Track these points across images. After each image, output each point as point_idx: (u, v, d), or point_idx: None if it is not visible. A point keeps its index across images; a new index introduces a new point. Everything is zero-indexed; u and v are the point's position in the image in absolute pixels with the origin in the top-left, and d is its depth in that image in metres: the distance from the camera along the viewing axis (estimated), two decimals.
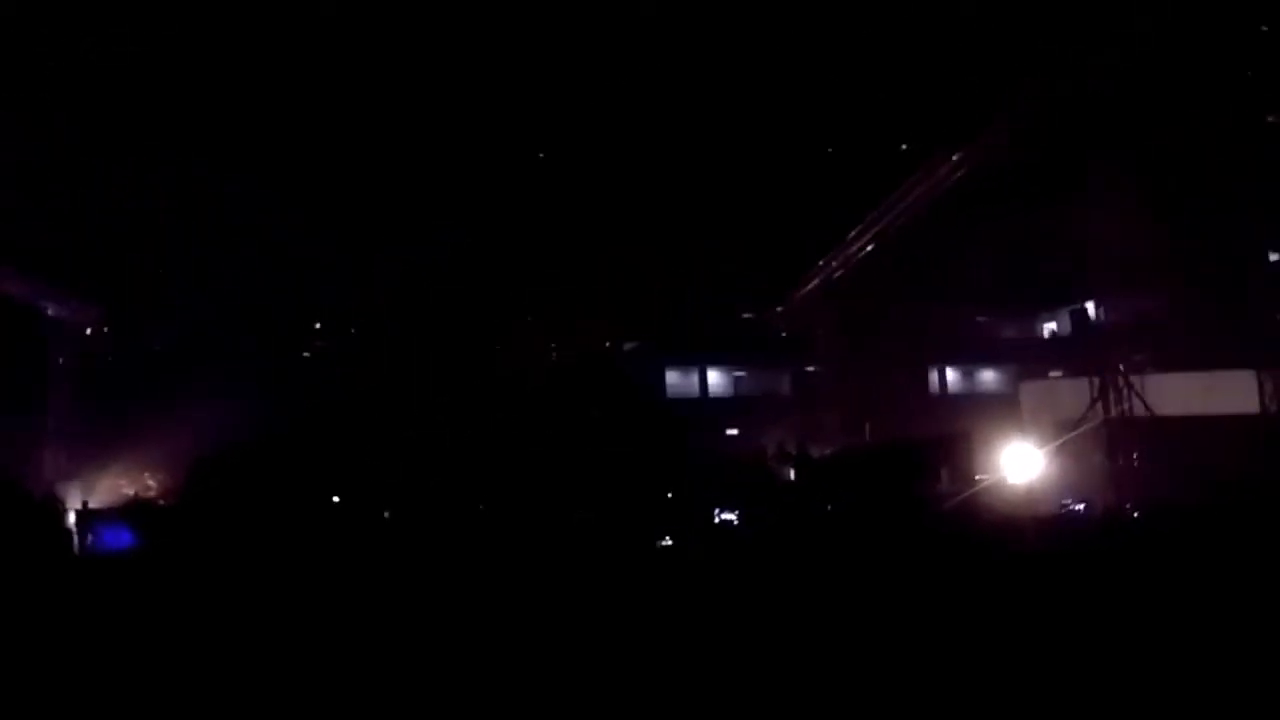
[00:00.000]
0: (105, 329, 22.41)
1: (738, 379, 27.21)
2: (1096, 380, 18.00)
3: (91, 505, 18.28)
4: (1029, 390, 21.44)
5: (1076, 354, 20.30)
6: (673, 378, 26.33)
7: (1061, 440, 17.21)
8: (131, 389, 21.20)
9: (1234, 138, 16.38)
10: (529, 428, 19.03)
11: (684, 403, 25.83)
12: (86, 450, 20.20)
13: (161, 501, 19.38)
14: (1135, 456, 17.06)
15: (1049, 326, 25.80)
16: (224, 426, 19.13)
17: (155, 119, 16.42)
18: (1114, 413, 17.45)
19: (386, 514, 17.33)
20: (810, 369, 25.60)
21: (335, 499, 17.74)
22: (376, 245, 19.62)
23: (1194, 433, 16.16)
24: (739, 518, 15.42)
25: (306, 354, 23.27)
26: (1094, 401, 17.73)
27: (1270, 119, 16.82)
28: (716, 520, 15.56)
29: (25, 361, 20.29)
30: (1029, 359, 24.57)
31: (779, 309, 25.09)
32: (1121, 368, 17.85)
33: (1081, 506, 14.73)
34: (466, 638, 7.70)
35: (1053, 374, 22.34)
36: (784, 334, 25.43)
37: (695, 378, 26.75)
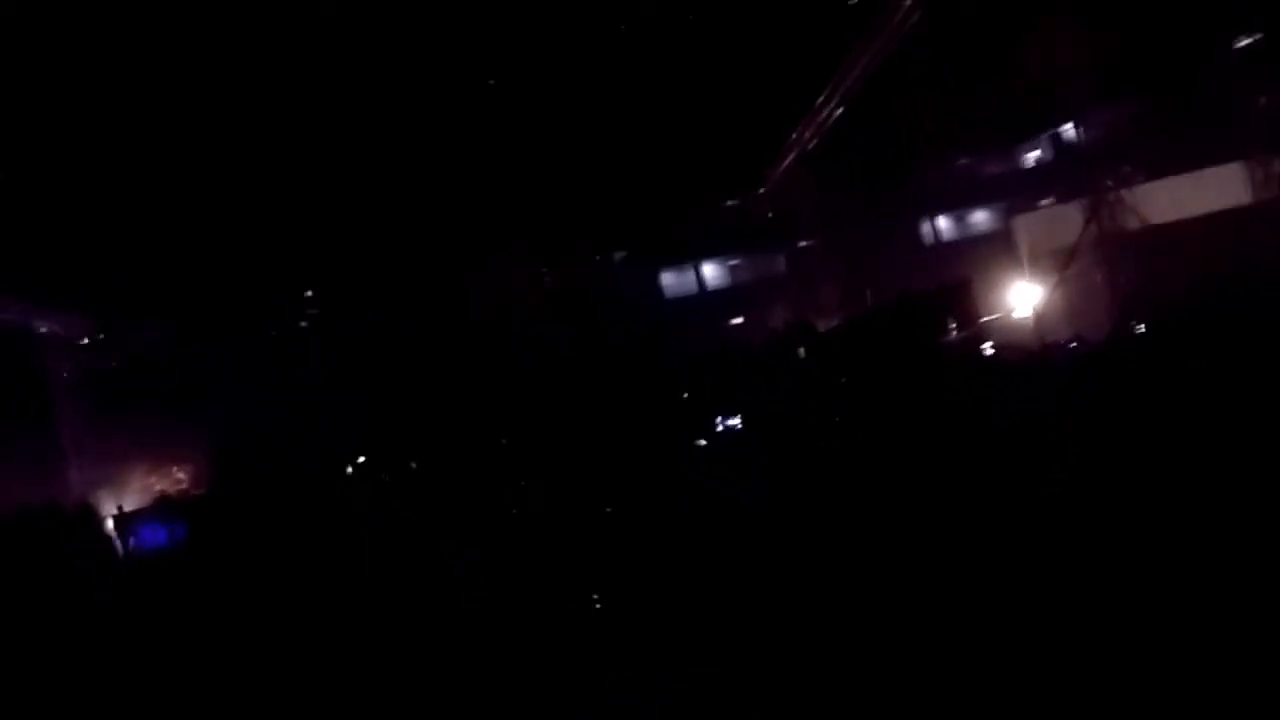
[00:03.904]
0: (101, 336, 22.47)
1: (733, 268, 27.10)
2: (1088, 201, 17.84)
3: (126, 508, 18.54)
4: (1023, 223, 21.24)
5: (1064, 178, 20.09)
6: (668, 279, 26.28)
7: (1061, 268, 17.15)
8: (140, 389, 21.34)
9: None
10: (527, 365, 19.09)
11: (683, 300, 25.84)
12: (109, 456, 20.44)
13: (194, 492, 19.63)
14: (1135, 270, 16.99)
15: (1033, 156, 25.48)
16: (237, 409, 19.36)
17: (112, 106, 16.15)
18: (1108, 230, 17.34)
19: (413, 465, 17.45)
20: (803, 245, 25.49)
21: (361, 459, 17.88)
22: (347, 194, 19.40)
23: (1189, 234, 16.07)
24: (743, 421, 15.08)
25: (303, 324, 23.30)
26: (1087, 222, 17.60)
27: None
28: (720, 428, 15.22)
29: (26, 382, 20.38)
30: (1019, 192, 24.31)
31: (761, 191, 24.89)
32: (1109, 183, 17.67)
33: (1074, 344, 14.57)
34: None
35: (1044, 203, 22.13)
36: (770, 215, 25.28)
37: (691, 275, 26.69)
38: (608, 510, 10.25)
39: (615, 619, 7.04)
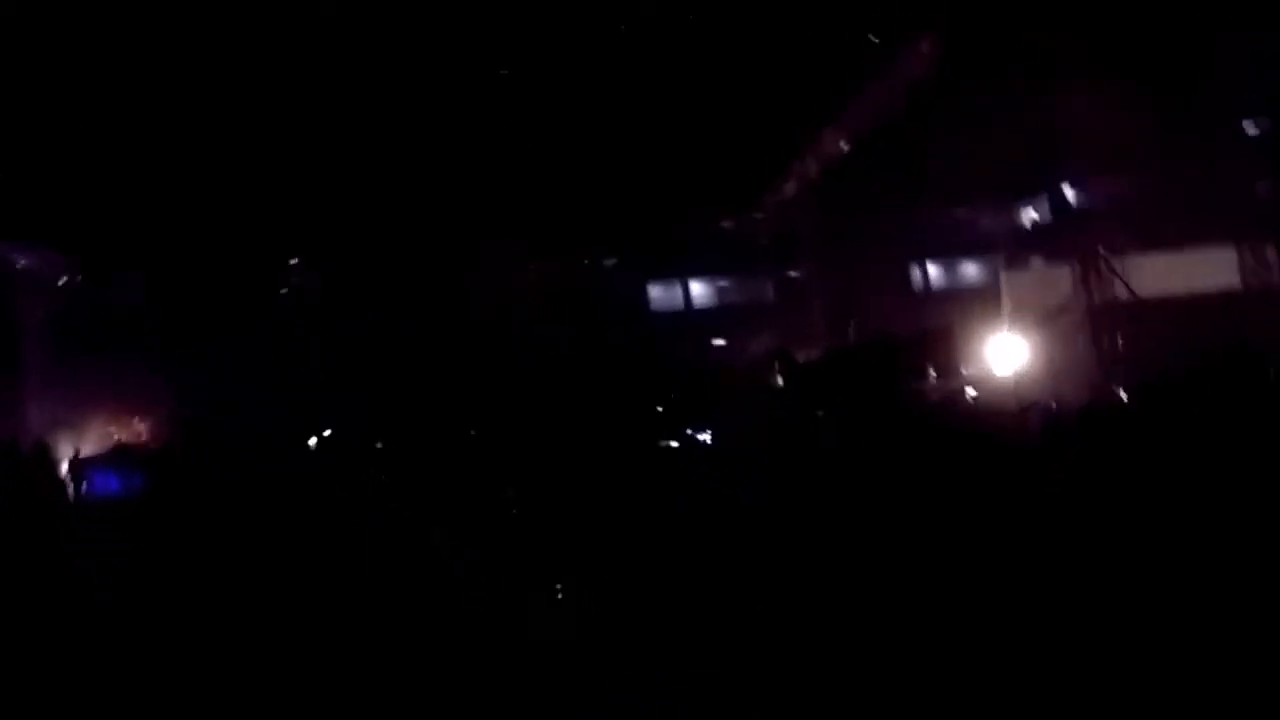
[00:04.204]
0: (78, 278, 22.13)
1: (721, 289, 27.06)
2: (1078, 266, 17.99)
3: (84, 454, 18.29)
4: (1011, 280, 21.39)
5: (1058, 240, 20.24)
6: (655, 291, 26.20)
7: (1045, 329, 17.26)
8: (111, 336, 21.06)
9: (1201, 8, 16.09)
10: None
11: (668, 316, 25.78)
12: (73, 401, 20.14)
13: (153, 445, 19.39)
14: (1119, 340, 17.14)
15: (1030, 215, 25.63)
16: (207, 368, 19.14)
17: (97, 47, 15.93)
18: (1096, 297, 17.48)
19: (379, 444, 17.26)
20: (793, 273, 25.53)
21: (326, 432, 17.68)
22: (343, 171, 19.24)
23: (1176, 310, 16.24)
24: (713, 435, 15.01)
25: (284, 290, 23.07)
26: (1076, 287, 17.75)
27: None
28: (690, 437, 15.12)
29: None
30: (1012, 248, 24.40)
31: (758, 215, 24.89)
32: (1102, 250, 17.83)
33: (1052, 404, 14.63)
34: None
35: (1034, 262, 22.27)
36: (764, 240, 25.29)
37: (678, 290, 26.62)
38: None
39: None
